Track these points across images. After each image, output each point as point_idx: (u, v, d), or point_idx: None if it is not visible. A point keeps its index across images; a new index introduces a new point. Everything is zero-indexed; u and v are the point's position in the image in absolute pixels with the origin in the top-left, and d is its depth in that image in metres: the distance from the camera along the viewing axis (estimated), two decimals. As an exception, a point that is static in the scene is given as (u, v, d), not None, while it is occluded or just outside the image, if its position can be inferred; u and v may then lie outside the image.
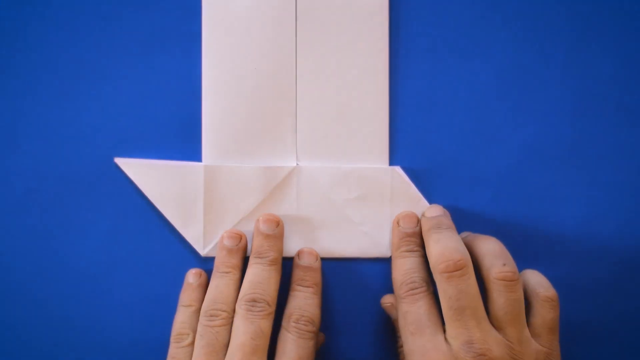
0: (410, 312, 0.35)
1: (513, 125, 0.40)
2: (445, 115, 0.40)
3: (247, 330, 0.35)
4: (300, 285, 0.38)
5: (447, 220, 0.38)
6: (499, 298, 0.35)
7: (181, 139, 0.40)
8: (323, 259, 0.40)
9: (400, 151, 0.40)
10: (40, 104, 0.40)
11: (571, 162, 0.40)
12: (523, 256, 0.40)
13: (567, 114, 0.40)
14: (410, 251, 0.38)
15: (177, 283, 0.39)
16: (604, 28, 0.40)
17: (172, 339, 0.37)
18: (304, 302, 0.37)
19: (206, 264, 0.40)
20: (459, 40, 0.40)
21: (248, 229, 0.40)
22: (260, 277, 0.37)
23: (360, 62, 0.40)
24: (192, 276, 0.39)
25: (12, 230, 0.40)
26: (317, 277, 0.39)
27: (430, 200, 0.40)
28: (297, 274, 0.39)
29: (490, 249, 0.36)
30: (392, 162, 0.40)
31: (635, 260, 0.40)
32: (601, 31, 0.40)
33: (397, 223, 0.39)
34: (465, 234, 0.39)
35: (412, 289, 0.36)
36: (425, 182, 0.40)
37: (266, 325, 0.36)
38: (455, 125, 0.40)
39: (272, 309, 0.36)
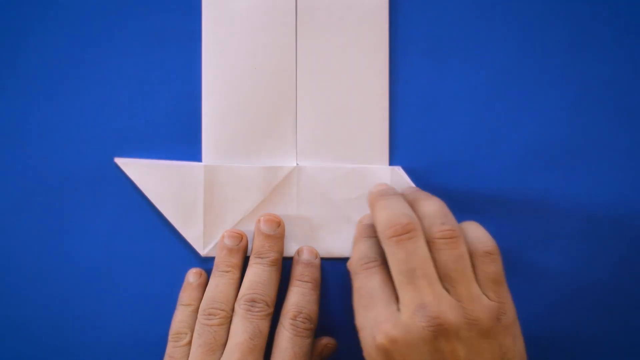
0: (363, 286, 0.35)
1: (513, 125, 0.40)
2: (445, 115, 0.40)
3: (245, 330, 0.35)
4: (300, 281, 0.38)
5: (392, 189, 0.37)
6: (442, 257, 0.34)
7: (181, 139, 0.40)
8: (323, 259, 0.40)
9: (400, 151, 0.40)
10: (40, 104, 0.40)
11: (571, 162, 0.40)
12: (523, 256, 0.40)
13: (567, 114, 0.40)
14: (368, 236, 0.37)
15: (177, 283, 0.39)
16: (603, 28, 0.40)
17: (170, 338, 0.37)
18: (302, 298, 0.37)
19: (206, 264, 0.40)
20: (458, 41, 0.40)
21: (248, 229, 0.40)
22: (260, 277, 0.37)
23: (360, 62, 0.40)
24: (193, 275, 0.39)
25: (12, 230, 0.40)
26: (316, 273, 0.39)
27: (430, 200, 0.40)
28: (297, 270, 0.39)
29: (429, 210, 0.36)
30: (392, 162, 0.40)
31: (636, 261, 0.40)
32: (601, 31, 0.40)
33: (360, 221, 0.38)
34: (409, 190, 0.39)
35: (367, 262, 0.35)
36: (425, 182, 0.40)
37: (264, 325, 0.36)
38: (455, 125, 0.40)
39: (271, 309, 0.37)
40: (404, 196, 0.37)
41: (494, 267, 0.35)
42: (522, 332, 0.35)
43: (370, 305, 0.34)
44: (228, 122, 0.40)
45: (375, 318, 0.33)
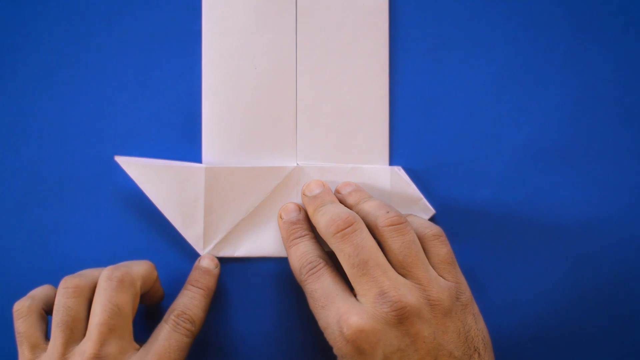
0: (316, 289, 0.35)
1: (513, 125, 0.40)
2: (445, 115, 0.40)
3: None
4: (193, 286, 0.38)
5: (329, 196, 0.38)
6: (394, 244, 0.35)
7: (181, 139, 0.40)
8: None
9: (400, 151, 0.40)
10: (41, 104, 0.40)
11: (571, 162, 0.40)
12: (523, 255, 0.40)
13: (567, 114, 0.40)
14: (299, 237, 0.37)
15: (177, 282, 0.39)
16: (603, 28, 0.40)
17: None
18: (190, 301, 0.37)
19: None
20: (458, 40, 0.40)
21: (248, 228, 0.40)
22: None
23: (360, 62, 0.40)
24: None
25: (12, 230, 0.40)
26: (211, 282, 0.38)
27: (430, 200, 0.40)
28: (193, 275, 0.39)
29: (370, 205, 0.36)
30: (392, 162, 0.40)
31: (636, 261, 0.40)
32: (601, 31, 0.40)
33: (280, 217, 0.39)
34: (350, 193, 0.39)
35: (312, 269, 0.36)
36: (425, 182, 0.40)
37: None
38: (455, 125, 0.40)
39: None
40: (343, 200, 0.38)
41: (444, 249, 0.36)
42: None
43: (328, 304, 0.34)
44: (228, 122, 0.40)
45: (337, 313, 0.34)
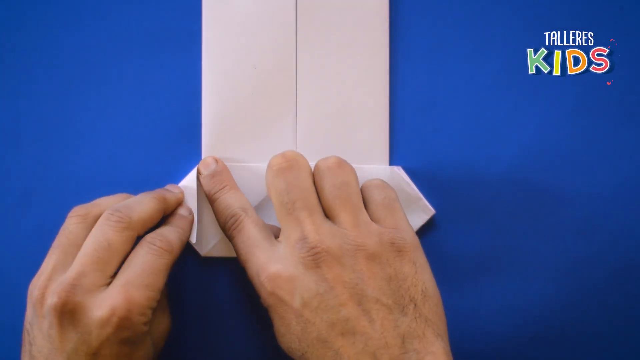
0: (238, 242, 0.35)
1: (513, 125, 0.40)
2: (446, 115, 0.40)
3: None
4: (171, 224, 0.36)
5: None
6: (325, 184, 0.34)
7: (181, 139, 0.40)
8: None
9: (400, 151, 0.40)
10: (41, 104, 0.40)
11: (571, 162, 0.40)
12: (523, 255, 0.40)
13: (566, 114, 0.40)
14: (219, 190, 0.37)
15: (177, 282, 0.39)
16: (603, 28, 0.40)
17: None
18: (166, 229, 0.35)
19: (206, 264, 0.40)
20: (458, 40, 0.40)
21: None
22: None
23: (360, 62, 0.40)
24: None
25: (12, 230, 0.40)
26: (188, 227, 0.37)
27: (430, 200, 0.40)
28: (173, 218, 0.37)
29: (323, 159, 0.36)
30: (392, 162, 0.40)
31: (636, 261, 0.40)
32: (600, 31, 0.40)
33: (200, 172, 0.38)
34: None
35: (233, 223, 0.35)
36: (425, 182, 0.40)
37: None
38: (455, 125, 0.40)
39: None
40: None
41: (382, 194, 0.35)
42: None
43: (249, 256, 0.34)
44: (228, 122, 0.40)
45: (257, 263, 0.33)
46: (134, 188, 0.40)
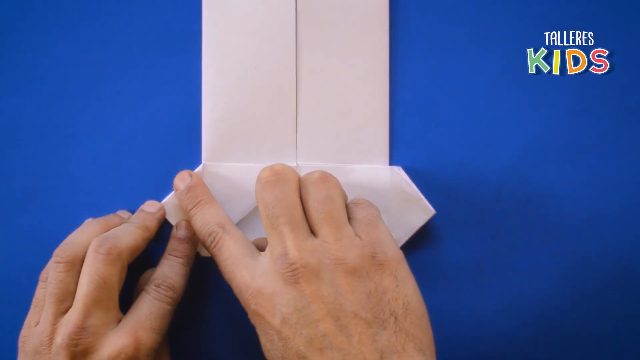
0: (220, 261, 0.35)
1: (513, 125, 0.40)
2: (446, 115, 0.40)
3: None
4: (171, 255, 0.38)
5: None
6: (309, 199, 0.34)
7: (181, 139, 0.40)
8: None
9: (400, 151, 0.40)
10: (41, 104, 0.40)
11: (571, 162, 0.40)
12: (523, 255, 0.40)
13: (566, 113, 0.40)
14: (195, 205, 0.37)
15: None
16: (603, 28, 0.40)
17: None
18: (170, 270, 0.37)
19: (206, 264, 0.40)
20: (459, 40, 0.40)
21: (247, 228, 0.40)
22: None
23: (360, 62, 0.40)
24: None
25: (12, 230, 0.40)
26: (189, 249, 0.38)
27: (430, 200, 0.40)
28: (172, 244, 0.38)
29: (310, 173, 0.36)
30: (392, 162, 0.40)
31: (636, 261, 0.40)
32: (600, 31, 0.40)
33: (176, 188, 0.38)
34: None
35: (214, 239, 0.35)
36: (425, 182, 0.40)
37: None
38: (455, 125, 0.40)
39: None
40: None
41: (364, 212, 0.35)
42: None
43: (231, 275, 0.34)
44: (228, 122, 0.40)
45: (239, 282, 0.34)
46: (133, 188, 0.40)
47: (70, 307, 0.35)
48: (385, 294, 0.32)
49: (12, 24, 0.40)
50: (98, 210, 0.40)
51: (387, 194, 0.39)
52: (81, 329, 0.33)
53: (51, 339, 0.34)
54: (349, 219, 0.35)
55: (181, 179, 0.38)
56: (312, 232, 0.34)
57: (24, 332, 0.36)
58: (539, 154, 0.40)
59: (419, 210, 0.39)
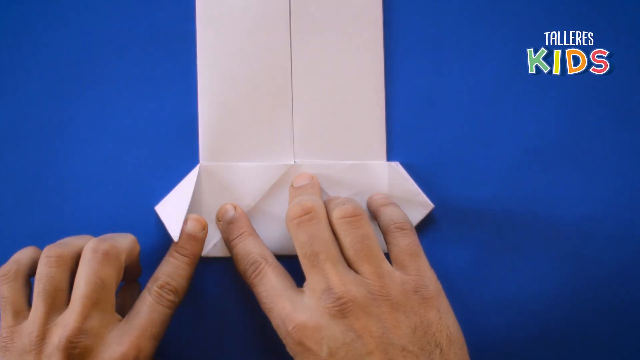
0: (261, 291, 0.35)
1: (512, 124, 0.40)
2: (443, 112, 0.40)
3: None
4: (177, 253, 0.37)
5: (312, 188, 0.38)
6: (346, 238, 0.34)
7: (178, 139, 0.40)
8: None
9: (397, 147, 0.40)
10: (40, 104, 0.40)
11: (571, 162, 0.40)
12: (522, 254, 0.40)
13: (566, 113, 0.40)
14: (237, 237, 0.37)
15: (176, 282, 0.39)
16: (603, 28, 0.40)
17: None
18: (174, 270, 0.36)
19: (205, 264, 0.40)
20: (455, 36, 0.40)
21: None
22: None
23: (355, 59, 0.40)
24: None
25: (12, 230, 0.40)
26: (197, 247, 0.37)
27: (429, 196, 0.39)
28: (180, 241, 0.37)
29: (335, 200, 0.36)
30: (389, 158, 0.40)
31: (636, 261, 0.40)
32: (600, 31, 0.40)
33: (218, 220, 0.38)
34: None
35: (255, 269, 0.35)
36: (423, 177, 0.40)
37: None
38: (452, 120, 0.40)
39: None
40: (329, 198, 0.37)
41: (406, 240, 0.35)
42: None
43: (273, 305, 0.34)
44: (225, 122, 0.40)
45: (282, 313, 0.33)
46: (132, 188, 0.40)
47: (61, 305, 0.34)
48: (430, 327, 0.33)
49: (11, 25, 0.40)
50: (93, 209, 0.40)
51: (385, 190, 0.39)
52: (80, 331, 0.33)
53: (42, 339, 0.33)
54: (389, 243, 0.35)
55: (224, 212, 0.38)
56: (351, 267, 0.34)
57: (2, 333, 0.34)
58: (538, 153, 0.40)
59: (417, 205, 0.39)
